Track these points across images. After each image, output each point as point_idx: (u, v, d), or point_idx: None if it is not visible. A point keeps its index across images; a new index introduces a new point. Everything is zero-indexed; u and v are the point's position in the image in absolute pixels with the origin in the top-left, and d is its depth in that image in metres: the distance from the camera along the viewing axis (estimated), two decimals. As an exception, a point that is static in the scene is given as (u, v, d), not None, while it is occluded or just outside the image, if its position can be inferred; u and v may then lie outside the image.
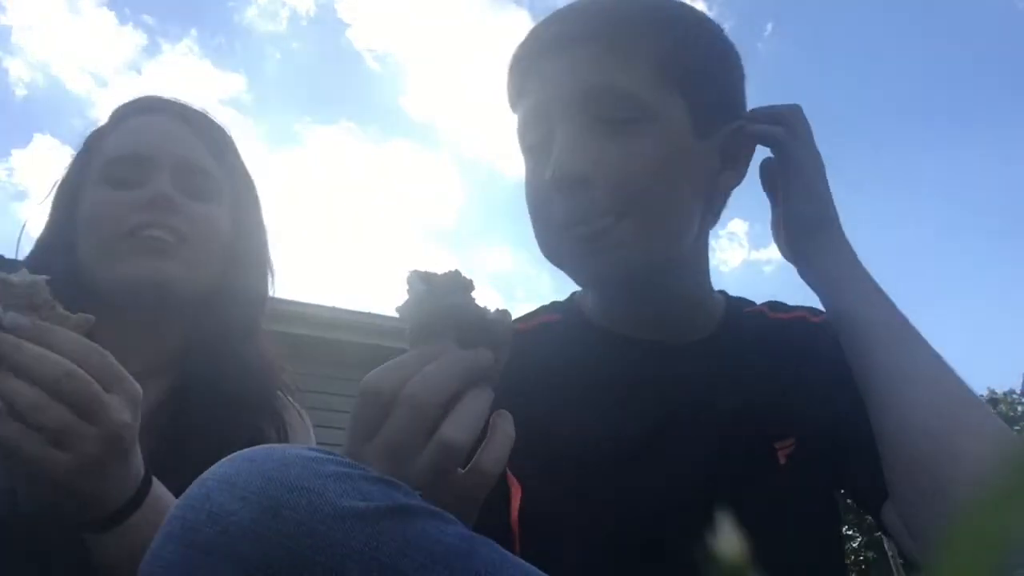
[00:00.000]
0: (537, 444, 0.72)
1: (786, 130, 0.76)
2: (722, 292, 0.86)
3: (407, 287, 0.53)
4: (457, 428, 0.49)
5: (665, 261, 0.73)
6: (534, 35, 0.78)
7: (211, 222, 0.89)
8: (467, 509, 0.51)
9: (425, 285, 0.52)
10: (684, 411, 0.74)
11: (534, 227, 0.77)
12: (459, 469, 0.51)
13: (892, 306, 0.73)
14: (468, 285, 0.53)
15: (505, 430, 0.53)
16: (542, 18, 0.79)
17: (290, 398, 0.96)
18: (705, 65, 0.75)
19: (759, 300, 0.89)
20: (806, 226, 0.78)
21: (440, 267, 0.53)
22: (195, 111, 0.97)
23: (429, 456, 0.48)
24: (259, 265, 0.98)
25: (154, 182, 0.86)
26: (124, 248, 0.84)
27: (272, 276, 1.00)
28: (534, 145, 0.76)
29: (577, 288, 0.86)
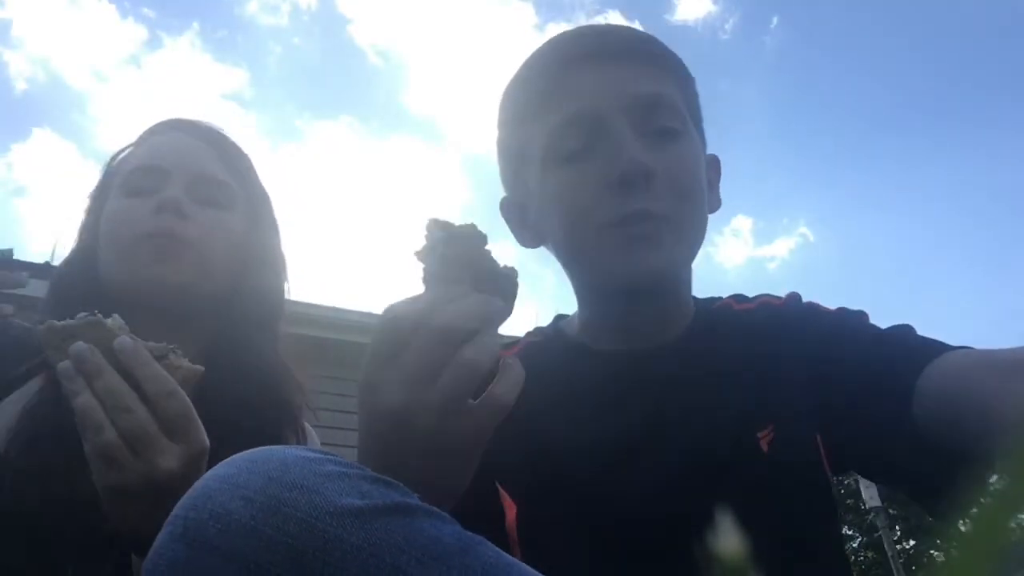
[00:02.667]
0: (527, 458, 0.76)
1: None
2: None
3: (425, 233, 0.55)
4: (478, 352, 0.49)
5: (688, 264, 0.79)
6: (560, 48, 0.80)
7: (223, 225, 0.93)
8: (474, 447, 0.52)
9: (444, 232, 0.54)
10: (666, 415, 0.76)
11: (572, 228, 0.76)
12: (471, 401, 0.51)
13: None
14: (484, 238, 0.55)
15: (517, 368, 0.54)
16: (557, 30, 0.83)
17: (304, 422, 0.99)
18: (698, 100, 0.85)
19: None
20: None
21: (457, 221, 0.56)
22: (213, 130, 1.01)
23: (449, 377, 0.49)
24: (274, 266, 1.01)
25: (166, 190, 0.90)
26: (138, 252, 0.87)
27: (287, 279, 1.04)
28: (575, 151, 0.76)
29: (559, 312, 0.91)
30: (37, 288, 1.02)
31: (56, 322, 0.66)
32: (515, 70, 0.84)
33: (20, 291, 0.92)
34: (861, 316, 0.80)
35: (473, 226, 0.55)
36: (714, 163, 0.87)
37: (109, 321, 0.67)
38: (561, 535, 0.73)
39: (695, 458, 0.73)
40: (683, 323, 0.83)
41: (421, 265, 0.55)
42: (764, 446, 0.73)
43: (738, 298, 0.89)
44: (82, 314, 0.67)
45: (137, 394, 0.63)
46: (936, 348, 0.69)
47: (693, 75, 0.84)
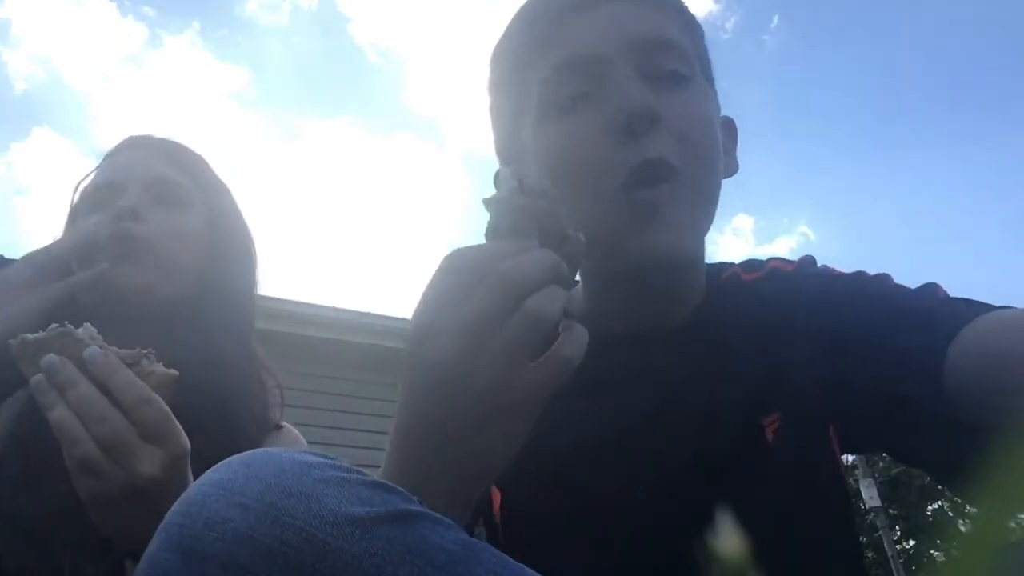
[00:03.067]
0: (525, 444, 0.73)
1: None
2: None
3: (497, 181, 0.53)
4: (545, 303, 0.46)
5: (702, 243, 0.73)
6: None
7: (182, 224, 0.95)
8: (533, 403, 0.49)
9: (517, 183, 0.51)
10: (667, 403, 0.72)
11: (573, 187, 0.68)
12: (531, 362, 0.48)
13: None
14: (556, 198, 0.52)
15: (581, 328, 0.50)
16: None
17: (284, 423, 0.99)
18: (708, 56, 0.79)
19: None
20: None
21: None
22: (164, 139, 1.05)
23: (512, 328, 0.46)
24: (241, 263, 1.02)
25: (122, 201, 0.92)
26: (102, 259, 0.87)
27: (256, 276, 1.05)
28: (574, 98, 0.69)
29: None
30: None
31: (28, 336, 0.66)
32: (506, 24, 0.78)
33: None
34: (882, 280, 0.72)
35: (544, 182, 0.52)
36: (729, 126, 0.81)
37: (80, 331, 0.66)
38: (551, 526, 0.71)
39: (695, 448, 0.70)
40: (692, 303, 0.76)
41: (488, 215, 0.52)
42: (769, 435, 0.69)
43: (747, 266, 0.82)
44: (53, 325, 0.66)
45: (112, 403, 0.63)
46: (971, 310, 0.62)
47: (702, 30, 0.79)
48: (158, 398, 0.64)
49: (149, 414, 0.63)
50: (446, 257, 0.49)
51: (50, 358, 0.63)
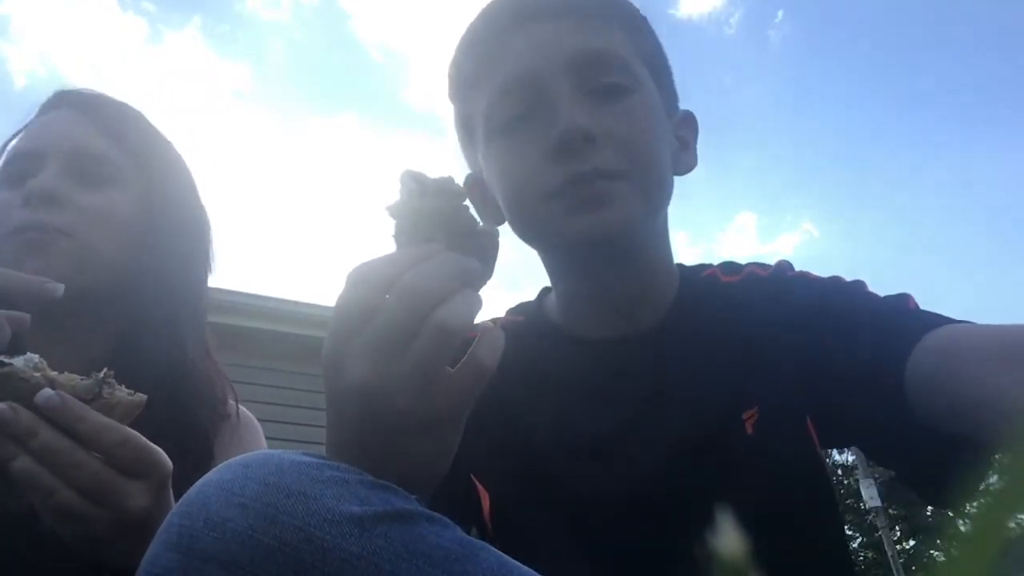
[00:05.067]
0: (503, 448, 0.75)
1: None
2: (679, 265, 0.84)
3: (399, 186, 0.51)
4: (453, 314, 0.45)
5: (652, 225, 0.76)
6: (495, 12, 0.77)
7: (105, 209, 0.83)
8: (457, 413, 0.48)
9: (418, 185, 0.50)
10: (648, 403, 0.74)
11: (517, 203, 0.74)
12: (449, 368, 0.47)
13: None
14: (461, 193, 0.51)
15: (496, 331, 0.49)
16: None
17: (240, 407, 0.93)
18: (660, 51, 0.81)
19: None
20: None
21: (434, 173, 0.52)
22: (92, 96, 0.91)
23: (421, 343, 0.44)
24: (185, 243, 0.90)
25: (39, 176, 0.81)
26: (8, 249, 0.78)
27: (211, 261, 0.94)
28: (518, 116, 0.73)
29: (545, 285, 0.86)
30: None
31: None
32: (459, 35, 0.81)
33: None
34: (855, 286, 0.75)
35: (450, 179, 0.51)
36: (689, 121, 0.83)
37: (21, 363, 0.57)
38: (539, 526, 0.73)
39: (678, 444, 0.72)
40: (666, 300, 0.79)
41: (393, 221, 0.51)
42: (749, 427, 0.72)
43: (726, 268, 0.84)
44: None
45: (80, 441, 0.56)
46: (930, 322, 0.65)
47: (650, 26, 0.81)
48: (133, 434, 0.58)
49: (128, 454, 0.57)
50: (351, 272, 0.47)
51: None
